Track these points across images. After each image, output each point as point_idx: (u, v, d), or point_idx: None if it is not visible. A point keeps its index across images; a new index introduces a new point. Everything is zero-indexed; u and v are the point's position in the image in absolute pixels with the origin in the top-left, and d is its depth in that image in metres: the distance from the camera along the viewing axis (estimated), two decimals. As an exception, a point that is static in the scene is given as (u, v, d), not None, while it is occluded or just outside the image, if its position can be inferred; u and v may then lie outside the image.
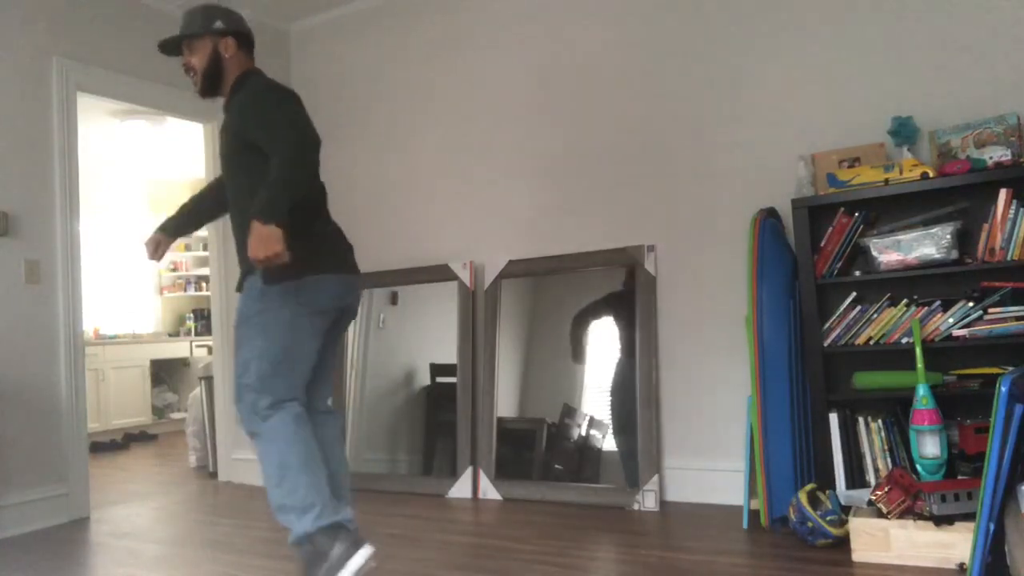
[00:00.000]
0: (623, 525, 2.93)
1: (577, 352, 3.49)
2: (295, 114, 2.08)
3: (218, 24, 2.30)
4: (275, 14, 4.38)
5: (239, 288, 2.21)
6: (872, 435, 2.70)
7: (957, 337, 2.58)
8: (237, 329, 2.16)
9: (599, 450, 3.33)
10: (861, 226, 2.77)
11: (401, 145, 4.13)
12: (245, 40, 2.35)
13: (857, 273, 2.76)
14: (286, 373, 2.12)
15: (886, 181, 2.67)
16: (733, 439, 3.12)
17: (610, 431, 3.32)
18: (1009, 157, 2.53)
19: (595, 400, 3.39)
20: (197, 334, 7.23)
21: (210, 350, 4.89)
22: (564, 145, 3.61)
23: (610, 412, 3.35)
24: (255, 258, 1.91)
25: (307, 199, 2.17)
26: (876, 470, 2.68)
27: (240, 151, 2.19)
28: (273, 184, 1.96)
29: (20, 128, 3.48)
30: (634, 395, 3.26)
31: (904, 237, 2.66)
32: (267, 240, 1.90)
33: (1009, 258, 2.52)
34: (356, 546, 2.00)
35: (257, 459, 2.14)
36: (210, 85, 2.34)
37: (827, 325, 2.79)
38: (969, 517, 2.18)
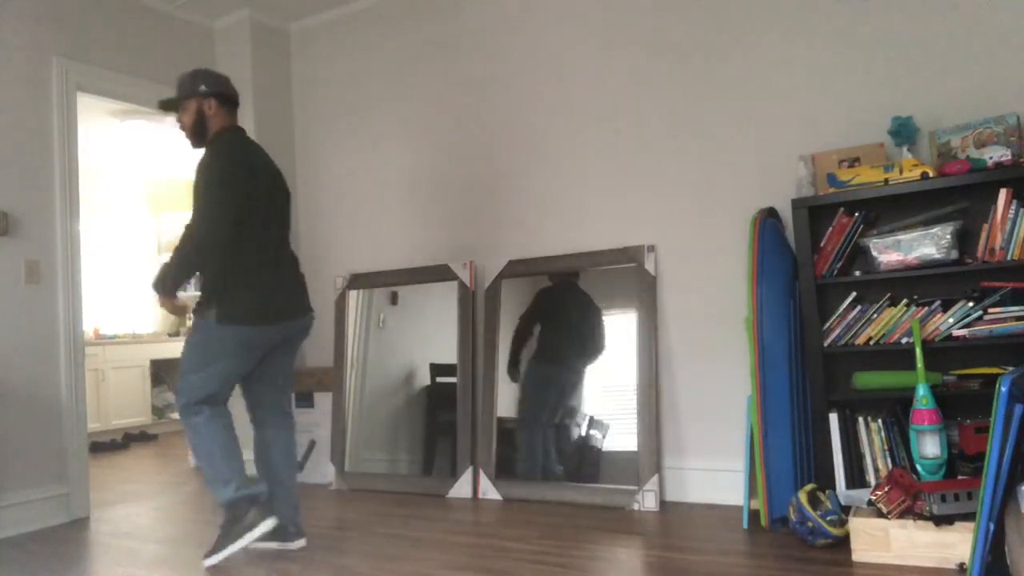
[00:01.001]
0: (623, 525, 2.93)
1: (514, 367, 3.59)
2: (212, 205, 2.56)
3: (202, 87, 2.75)
4: (275, 14, 4.39)
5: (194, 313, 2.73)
6: (872, 435, 2.70)
7: (957, 337, 2.58)
8: (187, 341, 2.76)
9: (599, 450, 3.33)
10: (861, 226, 2.77)
11: (401, 145, 4.13)
12: (227, 100, 2.79)
13: (857, 273, 2.76)
14: (208, 384, 2.72)
15: (886, 181, 2.67)
16: (733, 439, 3.12)
17: (610, 431, 3.32)
18: (1009, 157, 2.53)
19: (595, 400, 3.39)
20: (197, 334, 7.22)
21: (210, 350, 4.87)
22: (563, 145, 3.61)
23: (611, 413, 3.35)
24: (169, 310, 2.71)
25: (243, 257, 2.65)
26: (876, 470, 2.68)
27: (194, 203, 2.64)
28: (168, 262, 2.61)
29: (20, 128, 3.48)
30: (634, 395, 3.26)
31: (904, 237, 2.66)
32: (166, 309, 2.70)
33: (1009, 258, 2.52)
34: (263, 516, 2.65)
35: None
36: (196, 139, 2.78)
37: (827, 325, 2.80)
38: (969, 517, 2.18)
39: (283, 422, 2.90)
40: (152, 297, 2.77)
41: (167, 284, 2.63)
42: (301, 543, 2.81)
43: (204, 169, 2.62)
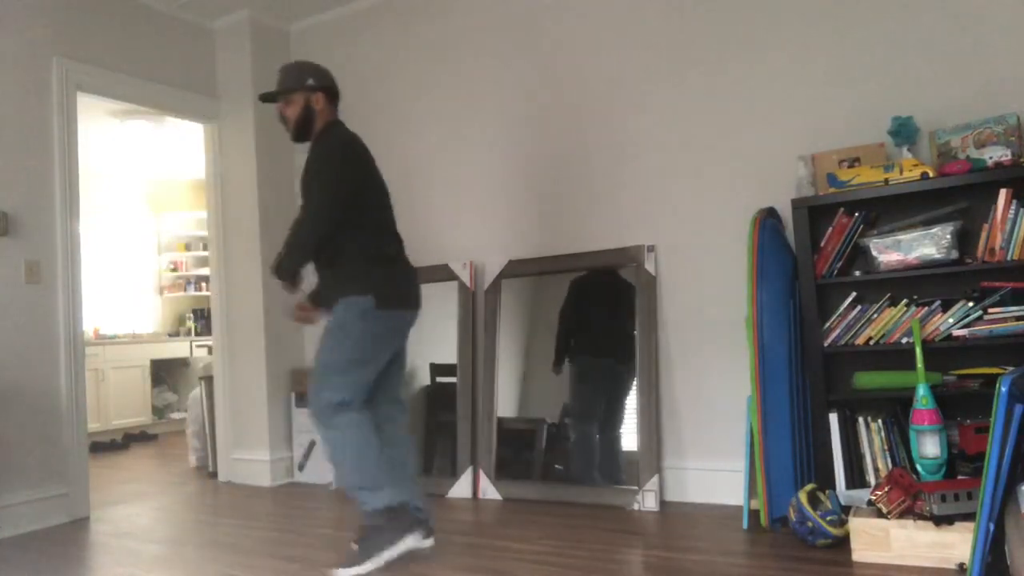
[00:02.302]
0: (623, 525, 2.93)
1: (559, 363, 3.51)
2: (324, 189, 2.51)
3: (310, 81, 2.67)
4: (275, 14, 4.39)
5: (328, 307, 2.60)
6: (872, 435, 2.70)
7: (957, 337, 2.58)
8: (332, 329, 2.55)
9: (599, 450, 3.33)
10: (861, 226, 2.77)
11: (401, 145, 4.13)
12: (332, 94, 2.73)
13: (857, 273, 2.76)
14: (360, 378, 2.54)
15: (886, 181, 2.67)
16: (733, 439, 3.12)
17: (610, 431, 3.32)
18: (1009, 157, 2.53)
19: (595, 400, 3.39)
20: (197, 334, 7.23)
21: (210, 350, 4.88)
22: (564, 145, 3.61)
23: (612, 412, 3.35)
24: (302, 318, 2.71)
25: (382, 240, 2.63)
26: (876, 470, 2.68)
27: (304, 195, 2.60)
28: (284, 248, 2.53)
29: (20, 128, 3.48)
30: (634, 395, 3.26)
31: (904, 237, 2.66)
32: (299, 309, 2.69)
33: (1009, 258, 2.52)
34: (402, 534, 2.49)
35: (326, 445, 2.56)
36: (301, 133, 2.70)
37: (827, 325, 2.79)
38: (969, 517, 2.18)
39: (403, 411, 2.79)
40: (301, 313, 2.69)
41: (283, 271, 2.54)
42: (431, 542, 2.61)
43: (321, 155, 2.56)
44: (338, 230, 2.53)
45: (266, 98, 2.76)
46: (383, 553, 2.46)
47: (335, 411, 2.48)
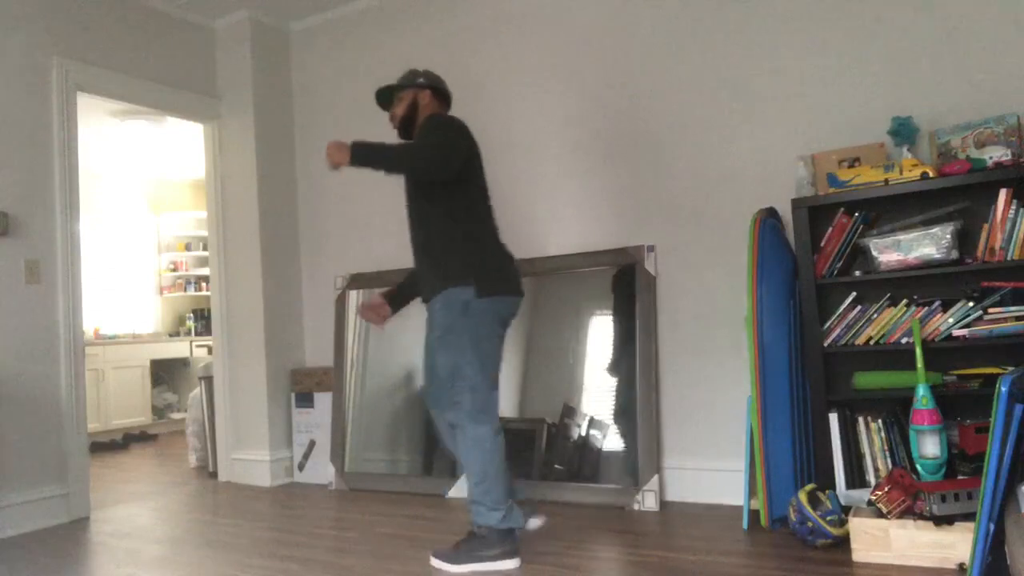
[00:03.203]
0: (623, 525, 2.93)
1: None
2: (444, 136, 2.46)
3: (420, 80, 2.71)
4: (275, 14, 4.39)
5: (427, 300, 2.56)
6: (872, 435, 2.70)
7: (957, 337, 2.58)
8: (442, 336, 2.49)
9: (599, 450, 3.33)
10: (861, 226, 2.77)
11: (401, 145, 4.13)
12: (441, 95, 2.75)
13: (857, 273, 2.76)
14: (487, 381, 2.49)
15: (886, 181, 2.67)
16: (733, 439, 3.12)
17: (610, 431, 3.32)
18: (1009, 157, 2.52)
19: (595, 400, 3.39)
20: (197, 334, 7.23)
21: (210, 350, 4.88)
22: (563, 145, 3.61)
23: (611, 412, 3.35)
24: (328, 158, 2.36)
25: (484, 223, 2.58)
26: (876, 470, 2.68)
27: (418, 185, 2.55)
28: (390, 151, 2.39)
29: (20, 128, 3.48)
30: (634, 395, 3.26)
31: (904, 237, 2.66)
32: (338, 151, 2.35)
33: (1009, 258, 2.52)
34: (507, 555, 2.48)
35: (457, 445, 2.52)
36: (405, 130, 2.71)
37: (827, 325, 2.79)
38: (969, 517, 2.18)
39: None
40: (335, 152, 2.36)
41: (359, 154, 2.36)
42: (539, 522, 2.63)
43: (438, 122, 2.54)
44: (448, 215, 2.47)
45: (380, 98, 2.76)
46: (480, 565, 2.45)
47: (471, 417, 2.45)
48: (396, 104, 2.71)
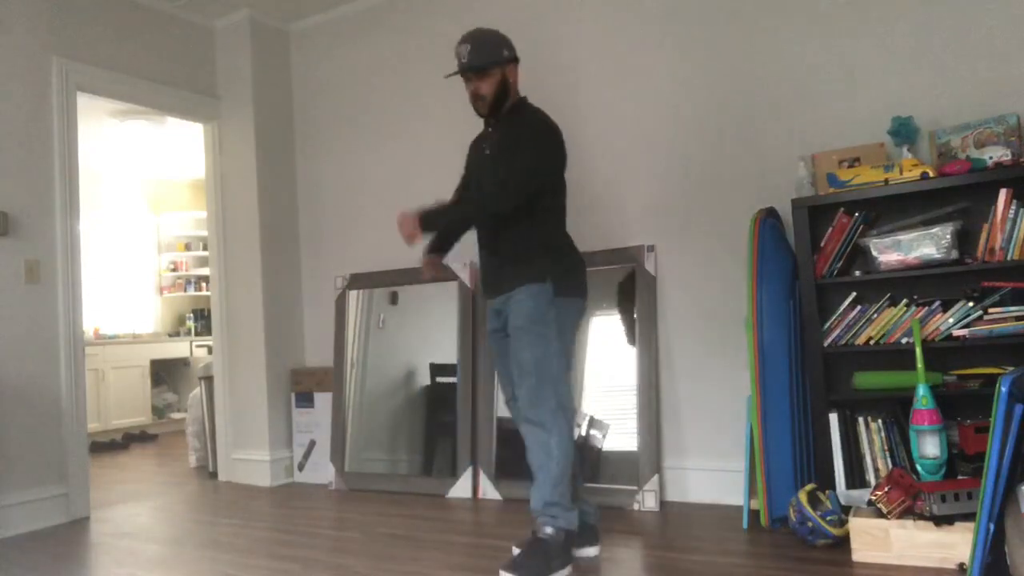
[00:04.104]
0: (623, 525, 2.93)
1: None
2: (525, 162, 2.37)
3: (506, 52, 2.49)
4: (275, 14, 4.39)
5: (491, 295, 2.54)
6: (872, 435, 2.70)
7: (957, 337, 2.58)
8: (527, 329, 2.37)
9: (599, 450, 3.33)
10: (861, 226, 2.77)
11: (401, 145, 4.13)
12: (518, 65, 2.57)
13: (857, 273, 2.76)
14: (568, 377, 2.44)
15: (886, 181, 2.67)
16: (733, 439, 3.12)
17: (610, 431, 3.32)
18: (1009, 157, 2.52)
19: (595, 400, 3.39)
20: (197, 334, 7.24)
21: (210, 350, 4.89)
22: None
23: (611, 413, 3.34)
24: (401, 233, 2.34)
25: (560, 224, 2.54)
26: (876, 470, 2.68)
27: (499, 163, 2.44)
28: (455, 215, 2.46)
29: (20, 128, 3.48)
30: (634, 395, 3.26)
31: (904, 237, 2.65)
32: (409, 226, 2.33)
33: (1009, 258, 2.52)
34: (570, 560, 2.38)
35: (529, 447, 2.38)
36: (496, 109, 2.50)
37: (827, 325, 2.79)
38: (969, 517, 2.18)
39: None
40: (406, 226, 2.35)
41: (430, 221, 2.37)
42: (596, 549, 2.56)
43: (532, 130, 2.42)
44: (526, 214, 2.41)
45: (470, 70, 2.47)
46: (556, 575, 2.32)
47: (555, 414, 2.34)
48: (482, 81, 2.45)
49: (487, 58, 2.45)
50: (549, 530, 2.33)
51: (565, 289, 2.43)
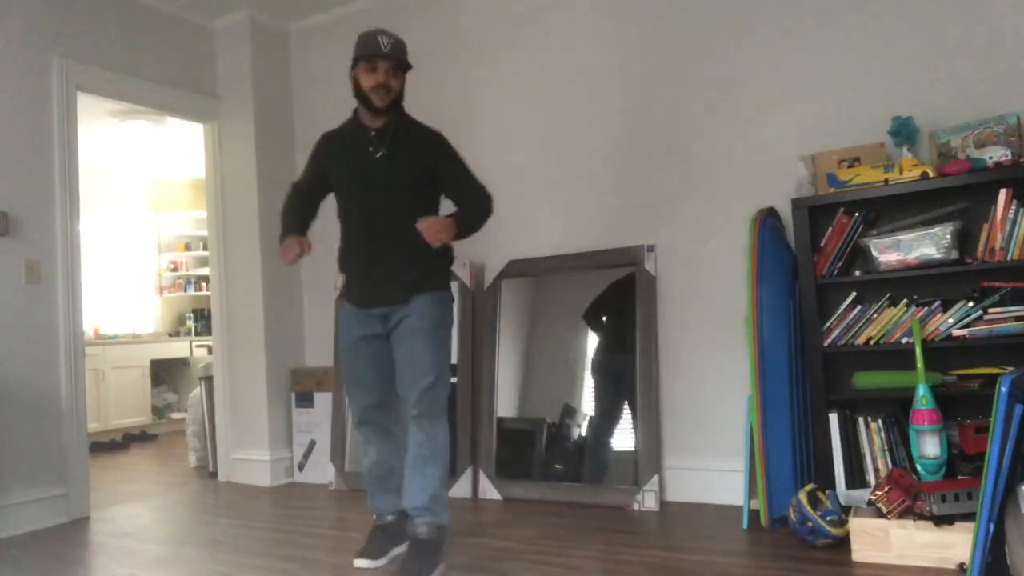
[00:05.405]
0: (623, 525, 2.93)
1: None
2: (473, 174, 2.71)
3: (407, 59, 2.65)
4: (275, 14, 4.39)
5: (404, 300, 2.51)
6: (872, 435, 2.70)
7: (957, 337, 2.58)
8: (432, 332, 2.49)
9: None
10: (861, 226, 2.77)
11: (401, 145, 4.13)
12: None
13: (857, 273, 2.76)
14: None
15: (886, 181, 2.67)
16: (733, 439, 3.12)
17: (610, 431, 3.32)
18: (1009, 157, 2.53)
19: (595, 400, 3.38)
20: (197, 334, 7.24)
21: (210, 350, 4.88)
22: (563, 145, 3.61)
23: (612, 412, 3.35)
24: (434, 237, 2.36)
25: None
26: (876, 470, 2.68)
27: (422, 183, 2.59)
28: (475, 219, 2.59)
29: (20, 128, 3.48)
30: (634, 395, 3.26)
31: (904, 237, 2.66)
32: (443, 232, 2.39)
33: (1009, 258, 2.52)
34: (445, 557, 2.47)
35: (420, 443, 2.46)
36: (393, 107, 2.63)
37: (827, 325, 2.79)
38: (969, 517, 2.18)
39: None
40: (441, 223, 2.43)
41: (464, 231, 2.53)
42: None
43: (443, 137, 2.74)
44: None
45: (394, 59, 2.60)
46: (443, 567, 2.42)
47: (444, 412, 2.50)
48: (395, 75, 2.60)
49: (405, 58, 2.61)
50: (425, 529, 2.41)
51: (450, 294, 2.63)
